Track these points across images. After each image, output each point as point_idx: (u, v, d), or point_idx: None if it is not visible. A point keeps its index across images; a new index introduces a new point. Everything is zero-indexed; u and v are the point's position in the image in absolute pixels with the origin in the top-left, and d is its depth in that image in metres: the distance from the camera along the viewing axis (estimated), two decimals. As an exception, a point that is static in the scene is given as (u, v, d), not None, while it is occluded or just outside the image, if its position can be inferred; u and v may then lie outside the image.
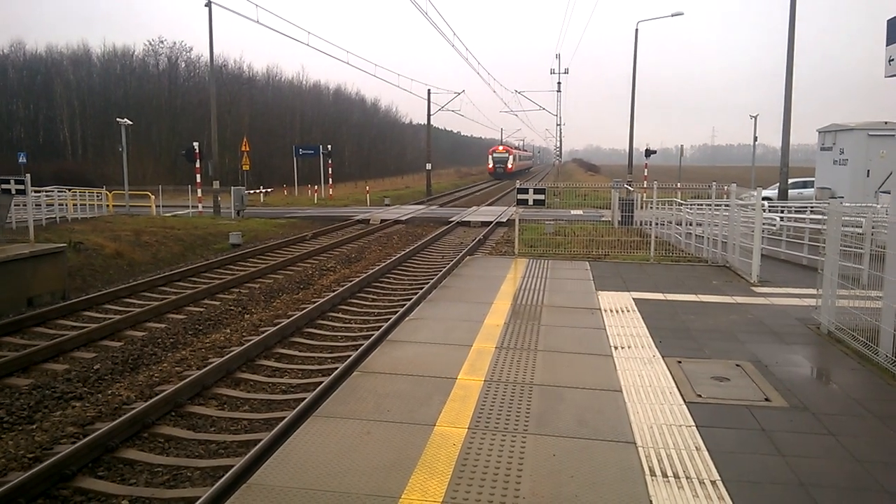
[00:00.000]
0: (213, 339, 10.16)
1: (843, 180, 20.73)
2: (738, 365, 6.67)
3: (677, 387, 5.98)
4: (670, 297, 10.18)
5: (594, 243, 16.43)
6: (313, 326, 10.88)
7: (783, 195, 21.62)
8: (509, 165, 77.45)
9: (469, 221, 27.03)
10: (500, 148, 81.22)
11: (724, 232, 13.72)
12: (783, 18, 20.31)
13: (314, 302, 12.29)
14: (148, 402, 7.17)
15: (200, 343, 9.99)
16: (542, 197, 14.45)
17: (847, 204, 12.97)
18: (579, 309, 9.20)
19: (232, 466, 5.73)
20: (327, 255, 18.65)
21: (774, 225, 15.29)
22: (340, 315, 11.74)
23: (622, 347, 7.24)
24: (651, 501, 3.98)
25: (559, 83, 79.17)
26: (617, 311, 9.02)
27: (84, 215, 24.14)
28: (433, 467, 4.36)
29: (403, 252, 18.27)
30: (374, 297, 13.32)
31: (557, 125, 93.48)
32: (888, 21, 10.72)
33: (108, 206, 28.25)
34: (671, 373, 6.37)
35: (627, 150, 39.05)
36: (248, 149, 37.22)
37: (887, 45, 10.74)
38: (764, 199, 13.03)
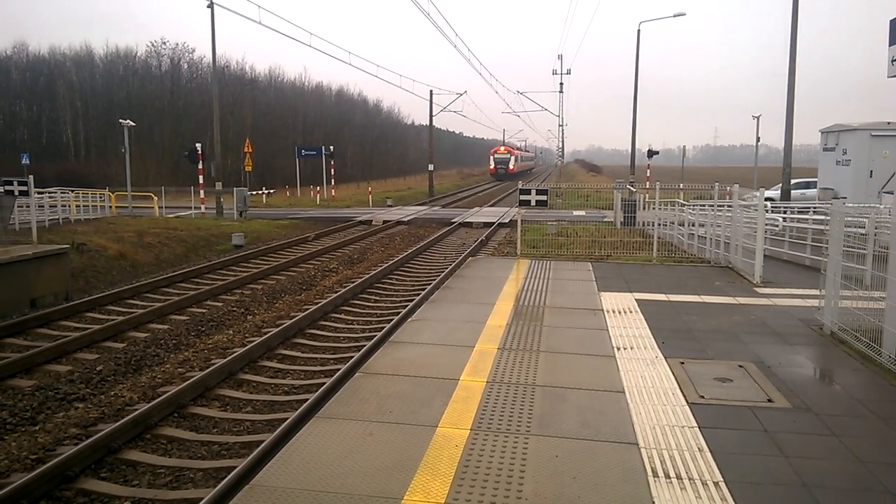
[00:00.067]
0: (216, 341, 10.17)
1: (846, 181, 20.69)
2: (740, 366, 6.66)
3: (680, 388, 5.97)
4: (673, 297, 10.17)
5: (596, 244, 16.43)
6: (316, 327, 10.89)
7: (786, 196, 21.59)
8: (511, 166, 77.18)
9: (471, 222, 27.03)
10: (502, 149, 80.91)
11: (726, 233, 13.71)
12: (784, 18, 20.31)
13: (316, 303, 12.30)
14: (151, 404, 7.18)
15: (203, 344, 10.00)
16: (544, 198, 14.44)
17: (850, 204, 12.94)
18: (582, 310, 9.20)
19: (235, 468, 5.74)
20: (330, 256, 18.66)
21: (777, 225, 15.27)
22: (343, 316, 11.74)
23: (625, 348, 7.23)
24: (654, 503, 3.98)
25: (561, 84, 78.94)
26: (619, 312, 9.01)
27: (87, 216, 24.19)
28: (435, 468, 4.36)
29: (406, 253, 18.27)
30: (377, 298, 13.32)
31: (559, 126, 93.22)
32: (891, 21, 10.71)
33: (110, 207, 28.30)
34: (674, 374, 6.36)
35: (630, 151, 39.03)
36: (250, 150, 37.27)
37: (889, 46, 10.73)
38: (766, 199, 13.00)
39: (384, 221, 27.25)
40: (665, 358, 6.89)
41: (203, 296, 13.05)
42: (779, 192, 22.82)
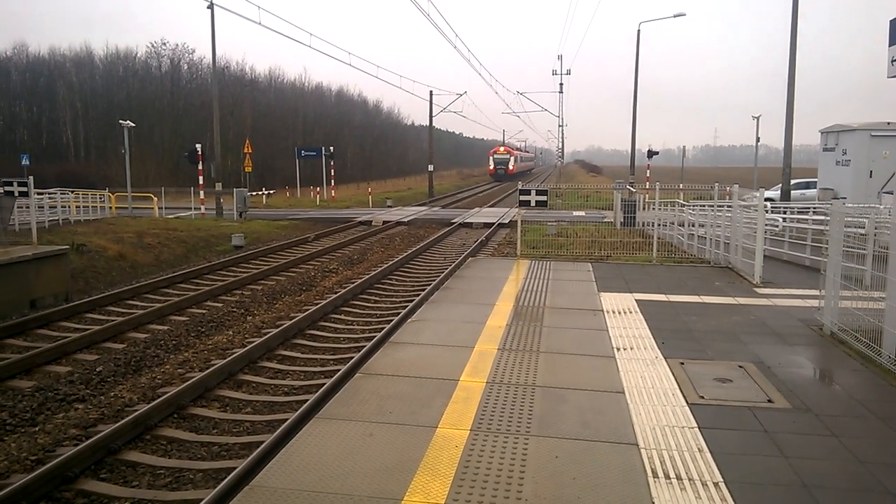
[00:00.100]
0: (216, 341, 10.17)
1: (846, 181, 20.69)
2: (740, 366, 6.66)
3: (680, 388, 5.97)
4: (673, 298, 10.17)
5: (596, 244, 16.43)
6: (315, 328, 10.89)
7: (786, 196, 21.59)
8: (510, 167, 76.90)
9: (471, 223, 27.04)
10: (502, 149, 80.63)
11: (726, 233, 13.71)
12: (784, 18, 20.32)
13: (316, 304, 12.30)
14: (150, 404, 7.18)
15: (203, 345, 10.00)
16: (544, 198, 14.44)
17: (850, 205, 12.94)
18: (581, 310, 9.19)
19: (234, 468, 5.74)
20: (330, 256, 18.66)
21: (777, 226, 15.27)
22: (343, 317, 11.74)
23: (624, 349, 7.23)
24: (653, 503, 3.98)
25: (561, 84, 78.96)
26: (619, 313, 9.01)
27: (87, 217, 24.18)
28: (435, 469, 4.35)
29: (406, 254, 18.28)
30: (377, 298, 13.32)
31: (559, 126, 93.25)
32: (890, 21, 10.71)
33: (110, 207, 28.30)
34: (674, 374, 6.36)
35: (629, 151, 39.04)
36: (250, 150, 37.28)
37: (889, 46, 10.73)
38: (766, 199, 13.00)
39: (384, 222, 27.26)
40: (665, 358, 6.89)
41: (203, 296, 13.05)
42: (779, 192, 22.82)
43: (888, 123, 20.48)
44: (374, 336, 9.97)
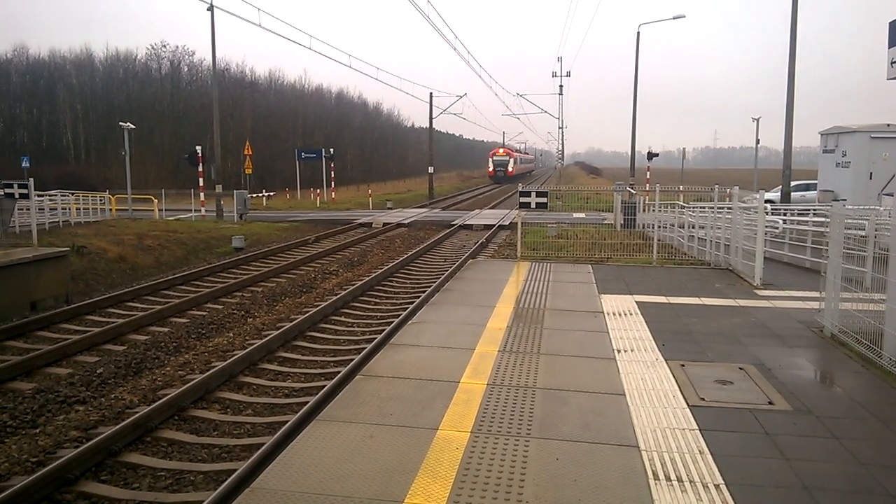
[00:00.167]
0: (216, 343, 10.17)
1: (846, 183, 20.68)
2: (741, 368, 6.66)
3: (680, 390, 5.97)
4: (673, 300, 10.17)
5: (597, 246, 16.43)
6: (316, 330, 10.89)
7: (786, 198, 21.58)
8: (510, 169, 76.54)
9: (471, 225, 27.05)
10: (501, 151, 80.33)
11: (726, 235, 13.71)
12: (784, 20, 20.34)
13: (317, 305, 12.30)
14: (151, 406, 7.18)
15: (203, 347, 10.00)
16: (544, 200, 14.44)
17: (850, 206, 12.95)
18: (582, 312, 9.20)
19: (235, 470, 5.74)
20: (330, 258, 18.66)
21: (777, 228, 15.27)
22: (343, 319, 11.74)
23: (625, 351, 7.23)
24: (654, 505, 3.98)
25: (561, 86, 79.20)
26: (620, 315, 9.01)
27: (87, 219, 24.20)
28: (436, 471, 4.35)
29: (406, 255, 18.28)
30: (377, 300, 13.32)
31: (559, 128, 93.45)
32: (890, 23, 10.73)
33: (110, 209, 28.31)
34: (674, 376, 6.36)
35: (629, 153, 39.06)
36: (250, 152, 37.32)
37: (889, 48, 10.75)
38: (766, 201, 13.00)
39: (384, 224, 27.26)
40: (665, 360, 6.89)
41: (203, 298, 13.05)
42: (779, 194, 22.81)
43: (888, 125, 20.47)
44: (375, 338, 9.97)
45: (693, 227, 16.73)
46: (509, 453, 4.62)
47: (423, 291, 13.34)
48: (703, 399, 5.76)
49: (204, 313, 12.04)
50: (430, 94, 49.33)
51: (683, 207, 18.95)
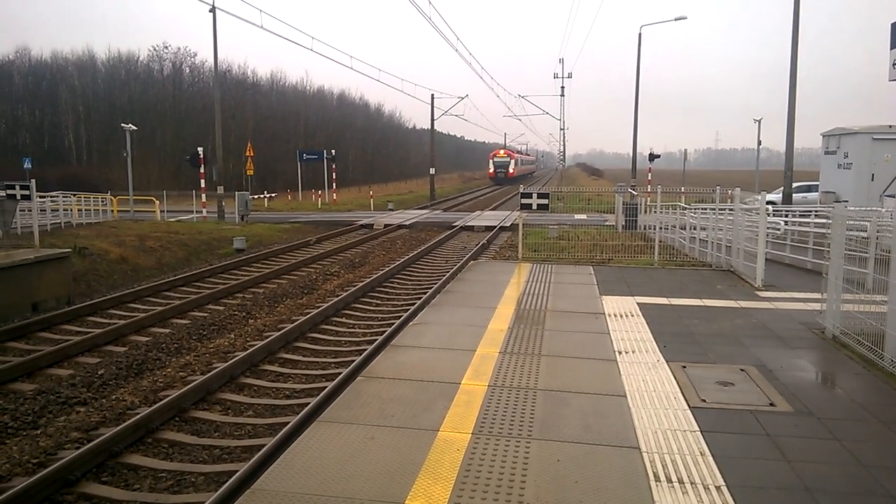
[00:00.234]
0: (218, 344, 10.17)
1: (848, 184, 20.66)
2: (742, 370, 6.65)
3: (682, 392, 5.96)
4: (674, 301, 10.16)
5: (598, 248, 16.43)
6: (317, 331, 10.89)
7: (787, 199, 21.57)
8: (511, 170, 76.13)
9: (473, 226, 27.04)
10: (502, 152, 79.83)
11: (728, 236, 13.71)
12: (785, 20, 20.35)
13: (318, 307, 12.30)
14: (152, 408, 7.18)
15: (205, 348, 10.01)
16: (545, 201, 14.44)
17: (851, 208, 12.93)
18: (583, 313, 9.19)
19: (236, 472, 5.74)
20: (331, 259, 18.67)
21: (779, 229, 15.26)
22: (344, 320, 11.75)
23: (626, 352, 7.23)
24: (655, 507, 3.97)
25: (563, 87, 79.16)
26: (621, 316, 9.01)
27: (89, 220, 24.23)
28: (437, 473, 4.35)
29: (407, 257, 18.28)
30: (378, 301, 13.32)
31: (561, 129, 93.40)
32: (892, 24, 10.71)
33: (112, 211, 28.36)
34: (675, 378, 6.36)
35: (631, 155, 39.06)
36: (252, 154, 37.34)
37: (891, 49, 10.73)
38: (768, 203, 12.99)
39: (385, 225, 27.26)
40: (667, 362, 6.88)
41: (205, 299, 13.06)
42: (780, 195, 22.79)
43: (890, 126, 20.45)
44: (376, 339, 9.97)
45: (694, 229, 16.72)
46: (510, 455, 4.62)
47: (425, 293, 13.33)
48: (704, 400, 5.76)
49: (205, 314, 12.05)
50: (432, 95, 49.37)
51: (685, 209, 18.94)
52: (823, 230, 12.86)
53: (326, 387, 7.89)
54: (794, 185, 23.13)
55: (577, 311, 9.32)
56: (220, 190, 29.38)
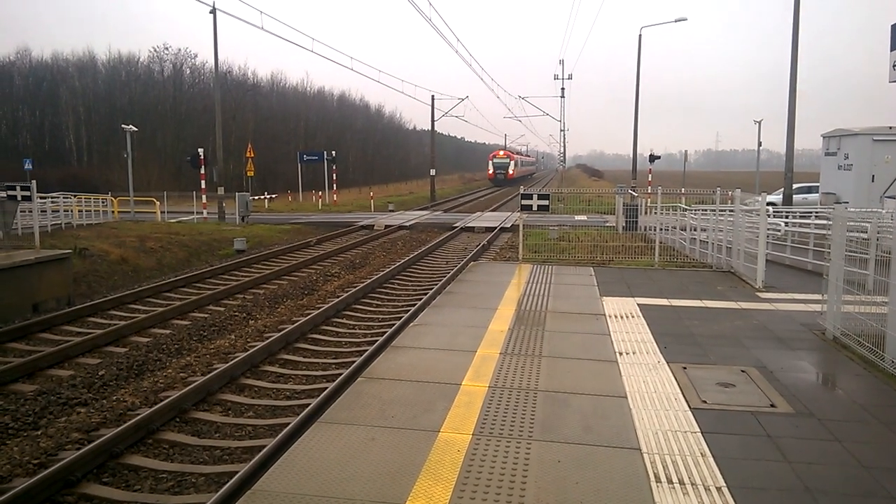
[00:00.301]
0: (218, 345, 10.17)
1: (848, 185, 20.66)
2: (743, 371, 6.65)
3: (682, 393, 5.96)
4: (675, 302, 10.16)
5: (598, 249, 16.42)
6: (318, 332, 10.89)
7: (788, 200, 21.56)
8: (510, 171, 75.59)
9: (473, 227, 27.05)
10: (501, 153, 79.28)
11: (728, 237, 13.71)
12: (785, 21, 20.35)
13: (318, 308, 12.30)
14: (153, 408, 7.18)
15: (205, 349, 10.01)
16: (546, 202, 14.44)
17: (852, 209, 12.93)
18: (584, 315, 9.19)
19: (236, 472, 5.74)
20: (332, 260, 18.67)
21: (779, 230, 15.26)
22: (345, 321, 11.75)
23: (627, 353, 7.23)
24: (656, 508, 3.97)
25: (563, 89, 79.06)
26: (621, 317, 9.01)
27: (89, 221, 24.21)
28: (438, 473, 4.35)
29: (408, 258, 18.28)
30: (379, 302, 13.32)
31: (561, 130, 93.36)
32: (892, 26, 10.72)
33: (113, 212, 28.35)
34: (676, 379, 6.36)
35: (631, 156, 39.05)
36: (252, 155, 37.34)
37: (891, 51, 10.74)
38: (768, 204, 12.99)
39: (386, 226, 27.27)
40: (667, 363, 6.88)
41: (205, 300, 13.06)
42: (781, 196, 22.78)
43: (890, 128, 20.46)
44: (377, 340, 9.97)
45: (695, 230, 16.72)
46: (511, 456, 4.62)
47: (425, 294, 13.33)
48: (704, 401, 5.76)
49: (206, 315, 12.05)
50: (432, 96, 49.36)
51: (685, 210, 18.93)
52: (824, 231, 12.86)
53: (327, 388, 7.89)
54: (795, 186, 23.14)
55: (577, 313, 9.32)
56: (221, 191, 29.39)
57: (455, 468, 4.43)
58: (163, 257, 19.18)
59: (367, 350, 9.45)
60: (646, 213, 22.28)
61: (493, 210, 37.76)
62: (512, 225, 25.93)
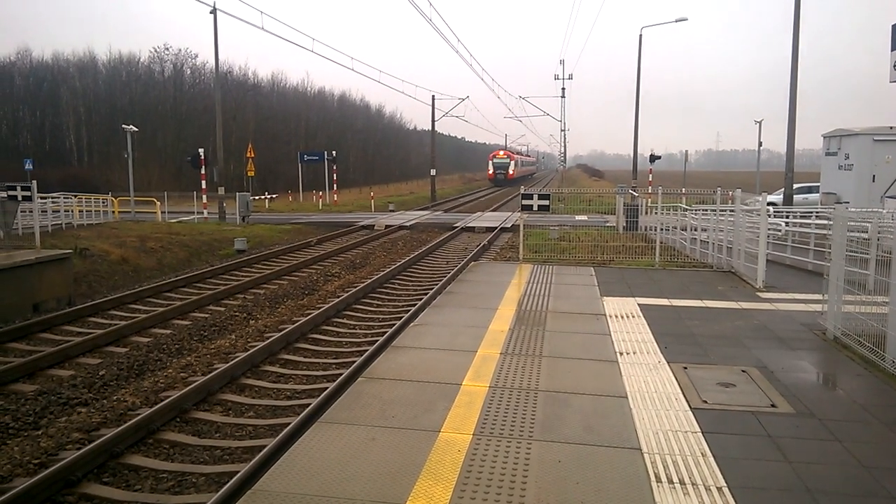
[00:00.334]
0: (219, 345, 10.17)
1: (849, 185, 20.65)
2: (743, 371, 6.65)
3: (683, 393, 5.96)
4: (675, 302, 10.16)
5: (599, 249, 16.42)
6: (318, 332, 10.89)
7: (788, 200, 21.55)
8: (510, 171, 75.21)
9: (474, 227, 27.04)
10: (501, 153, 78.91)
11: (729, 237, 13.70)
12: (786, 21, 20.34)
13: (319, 308, 12.30)
14: (153, 408, 7.18)
15: (206, 349, 10.01)
16: (546, 202, 14.45)
17: (852, 209, 12.92)
18: (584, 315, 9.19)
19: (237, 472, 5.74)
20: (332, 260, 18.67)
21: (780, 230, 15.25)
22: (345, 321, 11.74)
23: (627, 353, 7.23)
24: (657, 508, 3.97)
25: (563, 89, 78.96)
26: (622, 317, 9.00)
27: (90, 221, 24.22)
28: (438, 473, 4.35)
29: (408, 258, 18.28)
30: (379, 302, 13.32)
31: (561, 130, 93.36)
32: (893, 26, 10.72)
33: (113, 212, 28.36)
34: (677, 379, 6.36)
35: (632, 156, 39.04)
36: (253, 155, 37.36)
37: (892, 51, 10.74)
38: (769, 204, 12.99)
39: (386, 226, 27.27)
40: (668, 363, 6.88)
41: (206, 300, 13.06)
42: (781, 196, 22.77)
43: (891, 128, 20.44)
44: (377, 340, 9.97)
45: (695, 230, 16.71)
46: (511, 456, 4.62)
47: (426, 294, 13.33)
48: (705, 401, 5.76)
49: (206, 315, 12.05)
50: (433, 96, 49.33)
51: (686, 210, 18.93)
52: (824, 231, 12.86)
53: (327, 388, 7.89)
54: (795, 186, 23.12)
55: (578, 313, 9.32)
56: (221, 191, 29.39)
57: (455, 468, 4.43)
58: (163, 257, 19.18)
59: (367, 350, 9.46)
60: (646, 213, 22.26)
61: (494, 210, 37.76)
62: (512, 225, 25.92)
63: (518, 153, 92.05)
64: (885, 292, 6.82)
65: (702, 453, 4.71)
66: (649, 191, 30.02)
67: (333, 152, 45.12)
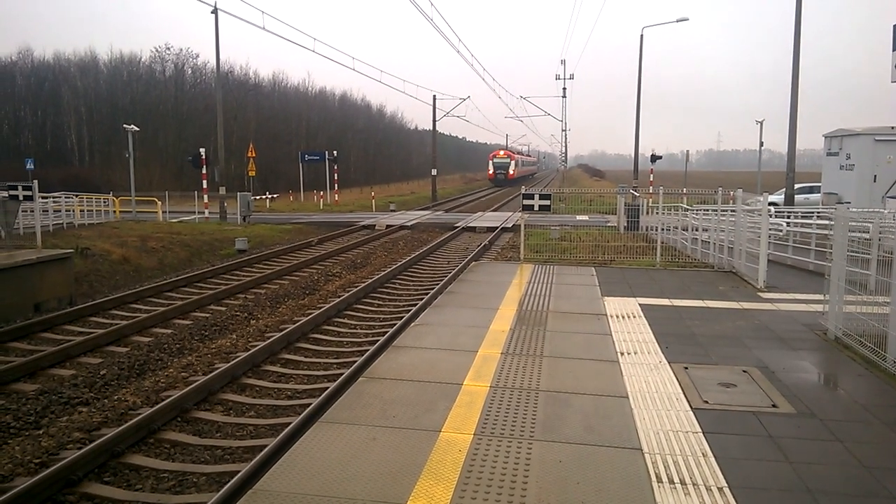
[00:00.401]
0: (219, 345, 10.18)
1: (850, 185, 20.64)
2: (744, 371, 6.65)
3: (684, 393, 5.96)
4: (676, 302, 10.16)
5: (600, 249, 16.42)
6: (319, 332, 10.89)
7: (789, 200, 21.54)
8: (511, 171, 74.89)
9: (474, 227, 27.04)
10: (502, 153, 78.56)
11: (730, 237, 13.70)
12: (786, 21, 20.33)
13: (320, 307, 12.30)
14: (154, 408, 7.18)
15: (206, 349, 10.02)
16: (547, 202, 14.45)
17: (854, 209, 12.91)
18: (585, 315, 9.19)
19: (238, 472, 5.74)
20: (333, 260, 18.67)
21: (781, 230, 15.25)
22: (346, 321, 11.75)
23: (628, 353, 7.22)
24: (657, 508, 3.97)
25: (564, 88, 78.90)
26: (623, 317, 9.00)
27: (91, 221, 24.24)
28: (439, 473, 4.35)
29: (409, 257, 18.28)
30: (380, 302, 13.32)
31: (562, 130, 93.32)
32: (894, 26, 10.71)
33: (114, 211, 28.38)
34: (678, 379, 6.35)
35: (633, 156, 39.02)
36: (254, 155, 37.37)
37: (893, 51, 10.73)
38: (770, 204, 12.98)
39: (387, 226, 27.27)
40: (669, 363, 6.88)
41: (206, 300, 13.07)
42: (782, 196, 22.75)
43: (892, 128, 20.42)
44: (378, 340, 9.97)
45: (696, 230, 16.71)
46: (512, 455, 4.62)
47: (427, 294, 13.33)
48: (706, 402, 5.75)
49: (207, 315, 12.06)
50: (434, 96, 49.31)
51: (687, 210, 18.92)
52: (825, 231, 12.85)
53: (328, 387, 7.89)
54: (796, 186, 23.11)
55: (579, 313, 9.32)
56: (222, 191, 29.41)
57: (456, 468, 4.43)
58: (164, 257, 19.19)
59: (368, 350, 9.46)
60: (647, 213, 22.27)
61: (495, 210, 37.75)
62: (513, 225, 25.92)
63: (519, 153, 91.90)
64: (885, 292, 6.82)
65: (702, 453, 4.71)
66: (650, 191, 30.01)
67: (334, 152, 45.12)
